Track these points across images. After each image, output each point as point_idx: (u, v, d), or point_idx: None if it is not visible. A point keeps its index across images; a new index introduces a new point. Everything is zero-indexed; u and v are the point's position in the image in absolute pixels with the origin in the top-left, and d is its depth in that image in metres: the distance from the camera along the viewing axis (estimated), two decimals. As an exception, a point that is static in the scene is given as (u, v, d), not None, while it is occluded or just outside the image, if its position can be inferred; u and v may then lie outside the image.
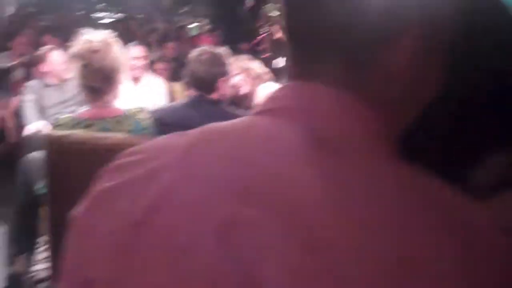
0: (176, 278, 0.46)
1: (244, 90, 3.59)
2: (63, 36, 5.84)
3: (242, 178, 0.48)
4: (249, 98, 3.66)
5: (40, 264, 3.09)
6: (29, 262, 2.90)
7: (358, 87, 0.51)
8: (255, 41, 7.13)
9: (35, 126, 3.86)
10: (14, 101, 5.10)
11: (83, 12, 10.79)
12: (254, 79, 3.63)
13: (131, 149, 0.57)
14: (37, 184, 2.62)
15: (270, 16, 6.40)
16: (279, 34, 7.09)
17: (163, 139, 0.57)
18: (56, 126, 2.36)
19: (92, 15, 10.95)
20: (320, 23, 0.52)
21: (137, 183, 0.52)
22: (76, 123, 2.34)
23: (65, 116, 2.46)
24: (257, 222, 0.45)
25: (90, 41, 2.34)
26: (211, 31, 8.40)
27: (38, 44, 5.25)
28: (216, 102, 2.59)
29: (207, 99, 2.57)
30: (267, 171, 0.47)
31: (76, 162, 2.22)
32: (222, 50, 2.76)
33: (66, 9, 9.67)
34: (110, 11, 11.34)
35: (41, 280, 2.93)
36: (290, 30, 0.55)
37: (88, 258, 0.53)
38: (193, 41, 7.69)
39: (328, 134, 0.49)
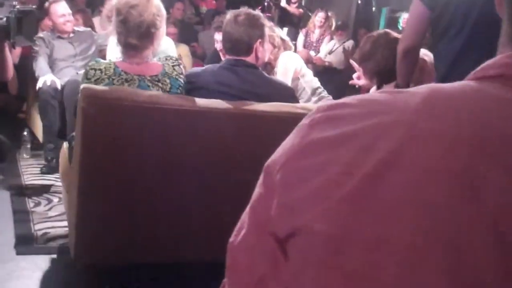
0: (418, 231, 0.47)
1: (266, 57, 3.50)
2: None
3: (479, 138, 0.49)
4: (270, 66, 3.58)
5: (55, 221, 3.02)
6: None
7: None
8: (259, 7, 7.01)
9: (48, 78, 3.75)
10: (16, 51, 4.93)
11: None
12: (276, 46, 3.53)
13: (338, 102, 0.57)
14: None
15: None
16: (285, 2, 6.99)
17: (380, 95, 0.56)
18: (91, 69, 2.28)
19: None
20: None
21: (364, 136, 0.52)
22: (113, 73, 2.27)
23: (104, 61, 2.37)
24: (499, 181, 0.46)
25: None
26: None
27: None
28: (253, 66, 2.51)
29: (244, 62, 2.48)
30: (505, 134, 0.49)
31: (112, 118, 2.15)
32: (258, 12, 2.67)
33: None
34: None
35: (54, 238, 2.86)
36: None
37: (297, 207, 0.53)
38: (196, 3, 7.54)
39: None
